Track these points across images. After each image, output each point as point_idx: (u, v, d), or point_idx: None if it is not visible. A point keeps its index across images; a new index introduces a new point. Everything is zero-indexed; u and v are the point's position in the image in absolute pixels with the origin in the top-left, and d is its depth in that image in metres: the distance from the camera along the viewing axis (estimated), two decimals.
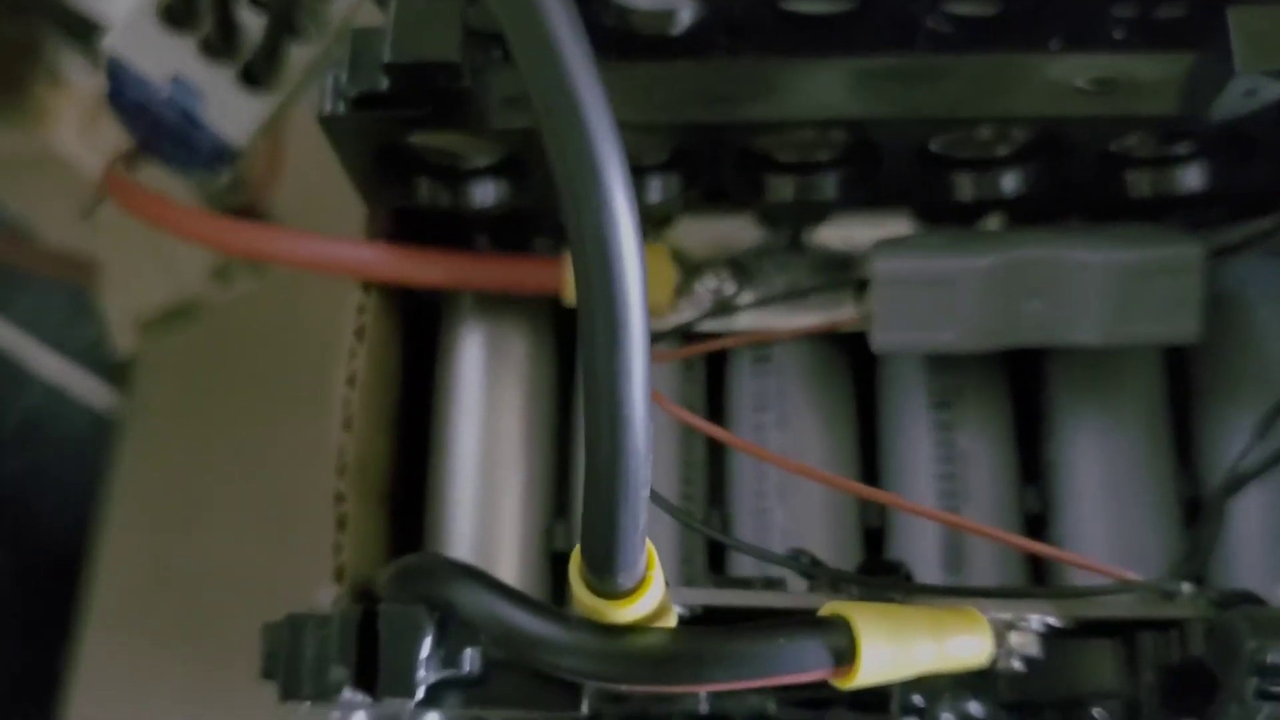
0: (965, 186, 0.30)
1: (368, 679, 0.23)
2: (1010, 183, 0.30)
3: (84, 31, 0.53)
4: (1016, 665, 0.24)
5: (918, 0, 0.27)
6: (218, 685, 0.70)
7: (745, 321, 0.32)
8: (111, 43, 0.38)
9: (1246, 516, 0.30)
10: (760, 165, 0.31)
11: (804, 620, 0.22)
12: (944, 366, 0.32)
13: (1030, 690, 0.24)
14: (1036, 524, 0.32)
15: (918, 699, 0.24)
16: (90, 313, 0.82)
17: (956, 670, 0.23)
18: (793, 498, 0.32)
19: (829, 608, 0.22)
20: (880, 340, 0.31)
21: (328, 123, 0.28)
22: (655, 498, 0.28)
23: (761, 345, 0.33)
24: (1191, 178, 0.30)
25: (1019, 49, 0.28)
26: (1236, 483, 0.29)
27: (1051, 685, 0.24)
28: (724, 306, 0.32)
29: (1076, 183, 0.30)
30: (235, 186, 0.63)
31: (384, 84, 0.27)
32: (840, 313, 0.32)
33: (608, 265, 0.17)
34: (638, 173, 0.31)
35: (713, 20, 0.28)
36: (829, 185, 0.30)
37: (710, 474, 0.33)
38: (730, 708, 0.26)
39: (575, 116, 0.17)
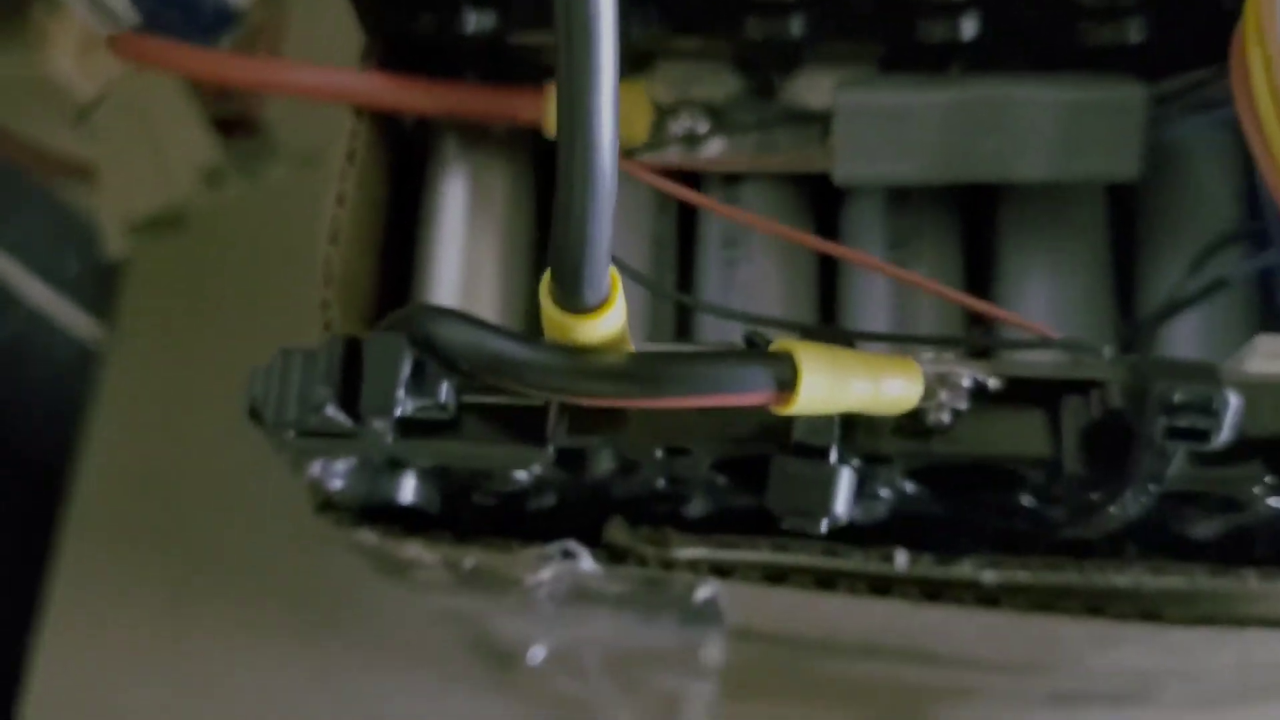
0: (925, 29, 0.32)
1: (350, 403, 0.25)
2: (969, 27, 0.32)
3: None
4: (945, 418, 0.26)
5: None
6: (198, 589, 0.72)
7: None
8: None
9: (1179, 346, 0.32)
10: (734, 3, 0.33)
11: (752, 351, 0.24)
12: (901, 208, 0.35)
13: (957, 448, 0.26)
14: None
15: (855, 461, 0.26)
16: (78, 244, 0.83)
17: (887, 412, 0.25)
18: (755, 298, 0.34)
19: (775, 344, 0.24)
20: (842, 172, 0.33)
21: None
22: (622, 266, 0.30)
23: (732, 185, 0.35)
24: (1135, 29, 0.32)
25: None
26: (1169, 310, 0.32)
27: (978, 445, 0.26)
28: (695, 140, 0.34)
29: (1031, 30, 0.32)
30: (229, 97, 0.65)
31: None
32: (806, 151, 0.34)
33: None
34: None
35: None
36: (797, 25, 0.32)
37: (679, 276, 0.35)
38: (684, 476, 0.28)
39: None
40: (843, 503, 0.26)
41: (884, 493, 0.28)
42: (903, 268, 0.34)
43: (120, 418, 0.76)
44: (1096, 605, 0.31)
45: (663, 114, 0.34)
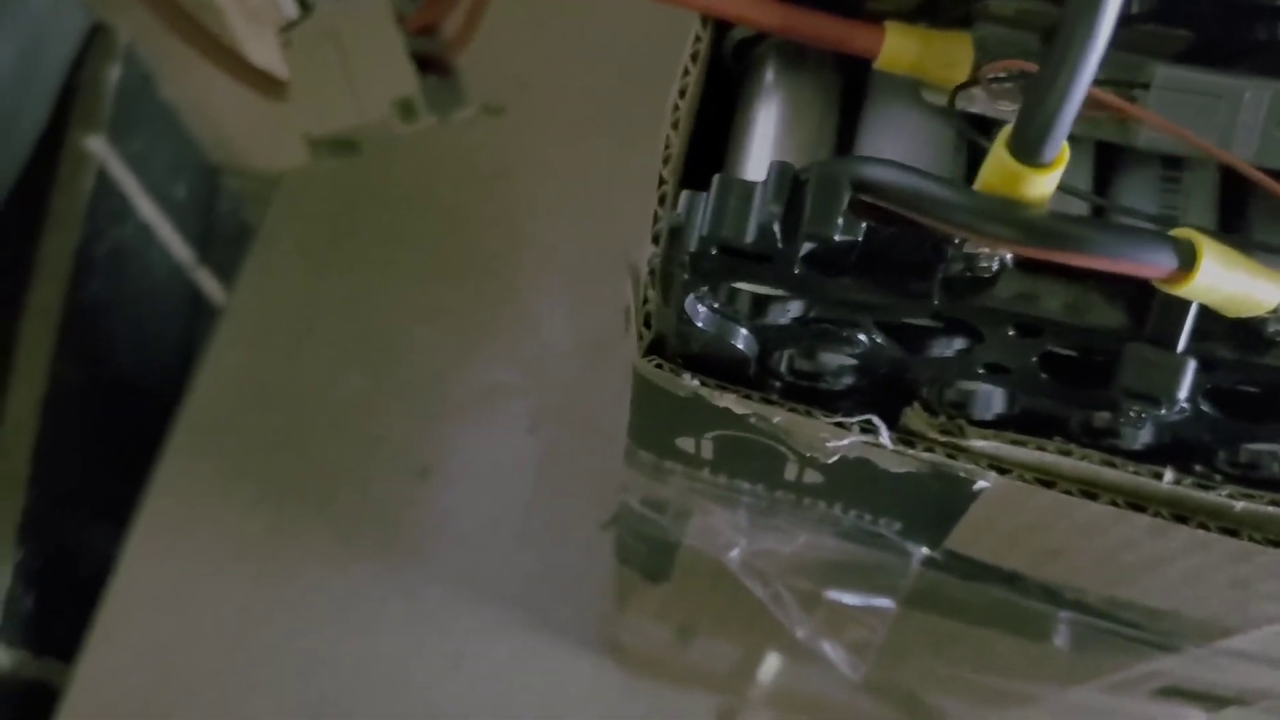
0: (1252, 27, 0.36)
1: (789, 225, 0.28)
2: None
3: None
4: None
5: None
6: (295, 498, 0.75)
7: None
8: None
9: None
10: None
11: (1161, 230, 0.27)
12: (1174, 184, 0.38)
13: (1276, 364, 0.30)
14: None
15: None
16: (191, 172, 0.87)
17: (1245, 312, 0.29)
18: None
19: (1178, 231, 0.28)
20: (1147, 138, 0.36)
21: None
22: None
23: None
24: None
25: None
26: None
27: None
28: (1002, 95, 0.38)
29: None
30: (430, 36, 0.69)
31: None
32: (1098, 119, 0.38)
33: None
34: None
35: None
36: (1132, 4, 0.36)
37: None
38: (1012, 364, 0.32)
39: None
40: (1186, 390, 0.29)
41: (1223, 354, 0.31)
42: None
43: (247, 328, 0.79)
44: None
45: (979, 64, 0.38)
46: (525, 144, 0.79)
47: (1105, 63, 0.37)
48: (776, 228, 0.28)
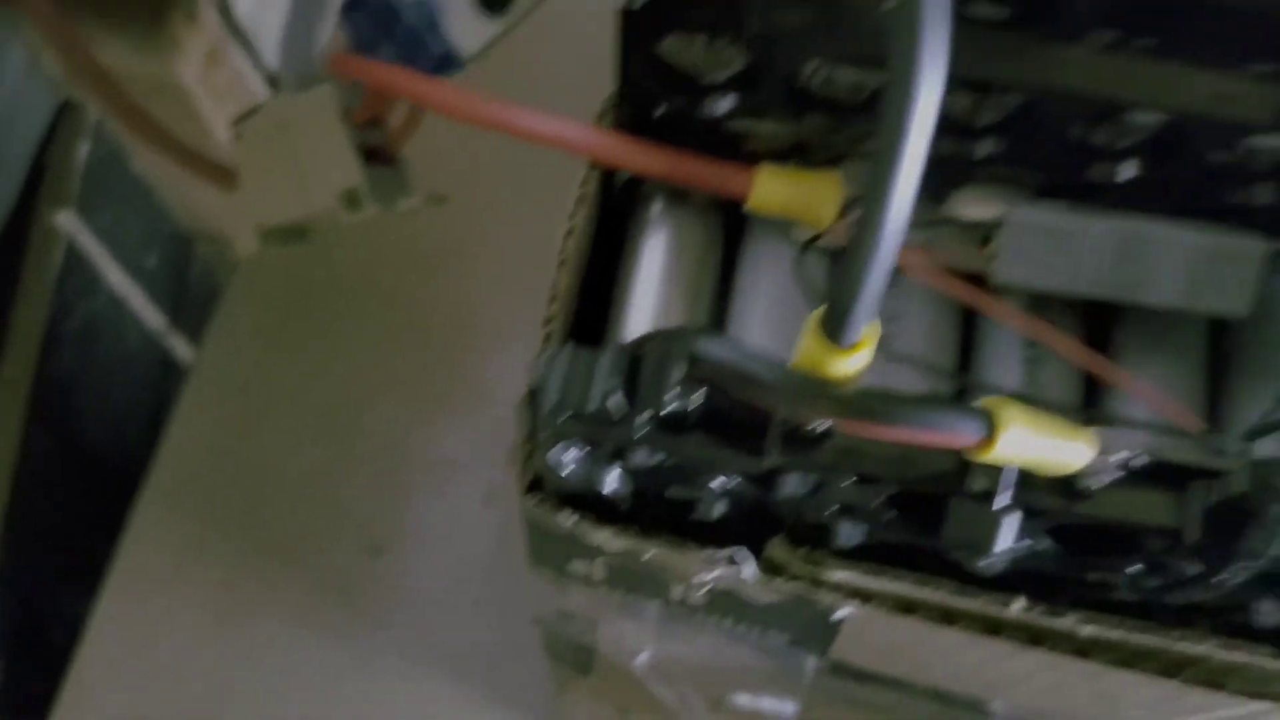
0: (1092, 169, 0.38)
1: (629, 395, 0.30)
2: (1127, 171, 0.38)
3: None
4: (1092, 485, 0.31)
5: None
6: (255, 574, 0.77)
7: None
8: None
9: None
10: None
11: (966, 403, 0.29)
12: (1037, 314, 0.40)
13: (1099, 511, 0.32)
14: None
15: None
16: (162, 241, 0.89)
17: (1056, 472, 0.31)
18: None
19: (986, 401, 0.30)
20: (1002, 274, 0.39)
21: (628, 15, 0.36)
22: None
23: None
24: (1263, 192, 0.38)
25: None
26: (1259, 431, 0.37)
27: (1116, 510, 0.32)
28: None
29: (1176, 182, 0.38)
30: (375, 128, 0.71)
31: None
32: (966, 252, 0.40)
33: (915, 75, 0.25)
34: (837, 106, 0.39)
35: None
36: (985, 147, 0.38)
37: None
38: (858, 504, 0.34)
39: None
40: (1005, 543, 0.31)
41: (1023, 544, 0.33)
42: (1035, 365, 0.40)
43: (210, 399, 0.81)
44: (1169, 670, 0.37)
45: (849, 204, 0.40)
46: (470, 228, 0.82)
47: (961, 200, 0.39)
48: (616, 399, 0.30)
